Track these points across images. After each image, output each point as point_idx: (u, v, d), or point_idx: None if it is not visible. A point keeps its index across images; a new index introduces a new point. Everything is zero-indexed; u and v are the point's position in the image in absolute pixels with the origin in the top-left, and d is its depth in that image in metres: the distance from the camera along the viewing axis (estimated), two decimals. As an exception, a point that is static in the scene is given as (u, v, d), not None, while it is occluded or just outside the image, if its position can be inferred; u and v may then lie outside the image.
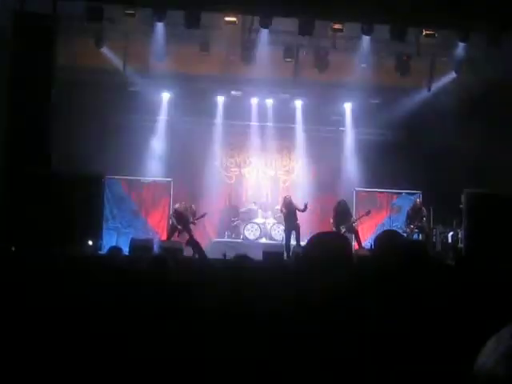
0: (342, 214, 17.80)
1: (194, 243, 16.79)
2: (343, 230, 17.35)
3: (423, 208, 18.35)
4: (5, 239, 13.27)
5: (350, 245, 3.65)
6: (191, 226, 17.43)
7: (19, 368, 3.08)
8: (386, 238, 4.27)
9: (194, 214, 17.55)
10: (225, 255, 12.97)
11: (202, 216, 17.82)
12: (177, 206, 17.73)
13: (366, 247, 16.71)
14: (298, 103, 20.85)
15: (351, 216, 18.07)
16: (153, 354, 3.04)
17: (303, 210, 17.48)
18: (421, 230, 18.08)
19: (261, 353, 2.69)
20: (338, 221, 17.70)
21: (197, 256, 15.93)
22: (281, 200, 18.50)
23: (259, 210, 19.93)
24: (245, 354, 2.73)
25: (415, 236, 17.82)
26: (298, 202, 17.85)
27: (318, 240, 3.45)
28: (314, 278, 3.33)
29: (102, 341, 3.19)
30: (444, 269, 5.05)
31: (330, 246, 3.41)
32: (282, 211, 17.96)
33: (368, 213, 18.40)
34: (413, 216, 18.24)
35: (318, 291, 3.10)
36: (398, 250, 3.89)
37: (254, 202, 20.30)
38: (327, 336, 2.71)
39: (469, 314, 2.76)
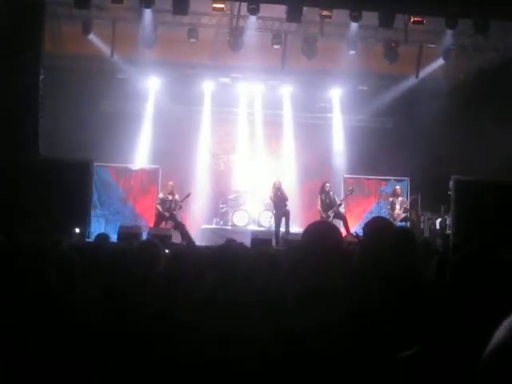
0: (328, 198, 17.88)
1: (182, 230, 16.82)
2: (331, 215, 17.43)
3: (402, 196, 18.52)
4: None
5: (341, 235, 3.69)
6: (179, 209, 17.50)
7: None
8: (375, 227, 4.29)
9: (176, 200, 17.61)
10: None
11: (187, 196, 17.86)
12: (160, 195, 17.77)
13: (354, 234, 16.73)
14: (286, 90, 20.83)
15: (336, 201, 18.10)
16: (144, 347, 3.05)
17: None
18: (405, 217, 18.17)
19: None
20: (325, 206, 17.78)
21: (184, 243, 15.90)
22: (270, 187, 18.53)
23: (247, 197, 19.89)
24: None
25: (403, 223, 17.88)
26: (287, 190, 17.97)
27: (313, 232, 3.47)
28: (310, 272, 3.34)
29: (91, 331, 3.20)
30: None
31: (325, 238, 3.42)
32: (271, 198, 17.98)
33: (351, 191, 18.45)
34: (395, 203, 18.34)
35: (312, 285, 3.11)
36: (386, 239, 3.91)
37: (242, 189, 20.25)
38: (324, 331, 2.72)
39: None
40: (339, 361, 2.62)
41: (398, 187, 18.85)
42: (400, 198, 18.36)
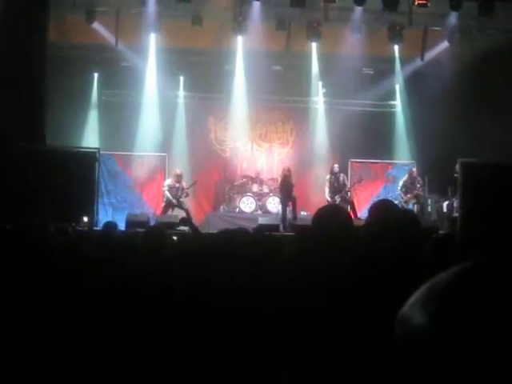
0: (336, 181, 17.85)
1: (186, 220, 16.85)
2: (338, 200, 17.40)
3: (418, 177, 18.40)
4: None
5: (351, 218, 3.71)
6: (186, 197, 17.58)
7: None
8: (380, 209, 4.29)
9: (183, 188, 17.66)
10: None
11: (194, 184, 17.94)
12: (168, 181, 17.85)
13: (362, 218, 16.72)
14: (291, 75, 20.71)
15: (345, 185, 18.09)
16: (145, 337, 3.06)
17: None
18: (417, 199, 18.11)
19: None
20: (333, 189, 17.75)
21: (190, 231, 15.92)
22: (278, 172, 18.52)
23: (254, 183, 19.85)
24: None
25: (410, 206, 17.82)
26: (294, 175, 17.94)
27: (323, 215, 3.48)
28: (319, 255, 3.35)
29: (100, 321, 3.22)
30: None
31: (335, 222, 3.44)
32: (278, 184, 17.97)
33: (360, 179, 18.45)
34: (409, 185, 18.25)
35: (321, 268, 3.12)
36: (390, 221, 3.92)
37: (249, 175, 20.21)
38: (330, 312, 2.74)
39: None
40: (337, 346, 2.63)
41: (414, 169, 18.71)
42: (417, 179, 18.25)
